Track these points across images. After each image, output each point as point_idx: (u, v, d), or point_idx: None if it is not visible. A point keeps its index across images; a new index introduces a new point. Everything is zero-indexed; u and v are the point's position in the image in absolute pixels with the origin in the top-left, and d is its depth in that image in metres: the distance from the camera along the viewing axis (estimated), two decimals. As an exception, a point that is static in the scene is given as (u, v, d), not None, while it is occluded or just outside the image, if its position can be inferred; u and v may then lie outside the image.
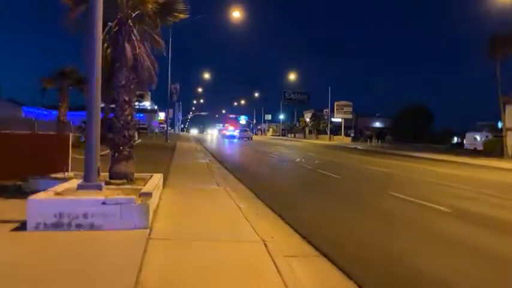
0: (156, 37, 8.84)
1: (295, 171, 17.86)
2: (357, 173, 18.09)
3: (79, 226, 5.76)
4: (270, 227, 6.84)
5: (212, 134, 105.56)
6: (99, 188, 6.38)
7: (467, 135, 54.21)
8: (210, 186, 10.97)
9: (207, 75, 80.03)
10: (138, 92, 37.51)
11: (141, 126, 58.30)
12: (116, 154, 8.12)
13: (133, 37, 8.16)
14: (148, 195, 6.58)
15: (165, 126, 46.25)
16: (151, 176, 9.38)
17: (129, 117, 8.19)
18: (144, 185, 7.83)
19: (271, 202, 9.31)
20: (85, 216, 5.76)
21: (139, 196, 6.55)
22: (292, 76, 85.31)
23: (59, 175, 9.06)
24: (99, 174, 6.49)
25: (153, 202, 6.84)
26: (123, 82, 8.12)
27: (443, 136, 78.35)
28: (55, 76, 15.73)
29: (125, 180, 7.93)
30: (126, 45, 8.03)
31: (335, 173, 16.28)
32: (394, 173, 18.07)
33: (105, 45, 8.15)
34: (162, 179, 9.80)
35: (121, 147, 8.09)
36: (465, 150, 46.77)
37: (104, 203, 5.83)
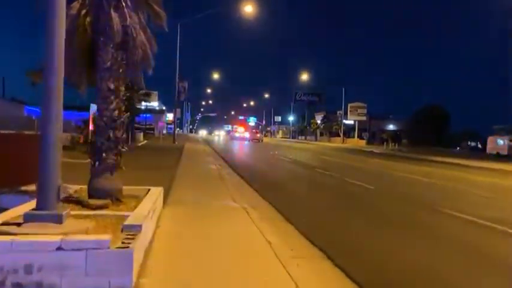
0: (155, 6, 6.57)
1: (319, 180, 15.50)
2: (390, 182, 15.67)
3: (18, 287, 3.51)
4: (318, 280, 4.55)
5: (219, 135, 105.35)
6: (58, 219, 4.11)
7: (490, 139, 52.25)
8: (224, 203, 8.68)
9: (216, 76, 78.12)
10: (143, 91, 35.49)
11: (148, 127, 56.44)
12: (97, 163, 5.87)
13: (123, 3, 5.92)
14: (136, 229, 4.31)
15: (174, 126, 44.04)
16: (148, 190, 7.13)
17: (116, 112, 5.93)
18: (135, 208, 5.59)
19: (306, 228, 6.98)
20: (28, 269, 3.51)
21: (122, 231, 4.29)
22: (303, 77, 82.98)
23: (32, 187, 6.87)
24: (59, 198, 4.23)
25: (144, 238, 4.58)
26: (109, 64, 5.87)
27: (460, 139, 75.62)
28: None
29: (109, 201, 5.67)
30: (113, 13, 5.78)
31: (365, 182, 13.91)
32: (432, 183, 15.62)
33: (84, 11, 5.93)
34: (162, 195, 7.54)
35: (104, 154, 5.84)
36: (487, 154, 44.59)
37: (59, 248, 3.57)
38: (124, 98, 6.07)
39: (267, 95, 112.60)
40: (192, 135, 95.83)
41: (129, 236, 4.13)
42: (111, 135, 5.85)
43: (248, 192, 10.86)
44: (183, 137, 57.36)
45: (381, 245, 6.46)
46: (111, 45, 5.85)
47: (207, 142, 50.15)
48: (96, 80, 5.93)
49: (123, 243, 3.91)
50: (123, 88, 6.05)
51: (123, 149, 6.02)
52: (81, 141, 20.38)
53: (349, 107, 70.87)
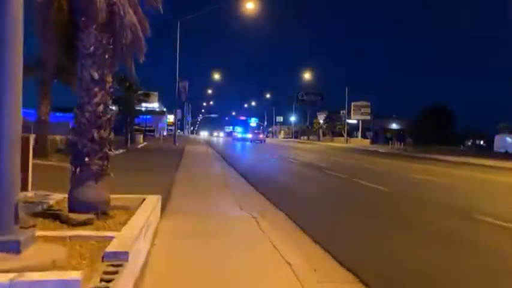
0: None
1: (329, 182, 14.44)
2: (405, 184, 14.59)
3: None
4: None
5: (218, 136, 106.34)
6: (15, 247, 3.06)
7: (497, 137, 51.61)
8: (229, 212, 7.63)
9: (216, 76, 77.15)
10: (143, 92, 34.36)
11: (148, 128, 55.34)
12: (79, 170, 4.83)
13: (108, -25, 4.87)
14: (122, 258, 3.27)
15: (174, 128, 42.97)
16: (143, 200, 6.10)
17: (101, 108, 4.88)
18: (125, 223, 4.55)
19: (326, 241, 5.93)
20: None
21: (103, 260, 3.24)
22: (305, 77, 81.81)
23: None
24: (17, 220, 3.17)
25: (133, 267, 3.53)
26: (91, 49, 4.83)
27: (464, 138, 74.60)
28: (33, 64, 11.86)
29: (93, 215, 4.62)
30: (96, -13, 4.74)
31: (378, 184, 12.87)
32: (453, 184, 14.57)
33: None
34: (159, 205, 6.49)
35: (86, 158, 4.79)
36: (495, 152, 43.70)
37: (8, 293, 2.52)
38: (111, 91, 5.03)
39: (268, 95, 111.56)
40: (193, 136, 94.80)
41: (111, 269, 3.09)
42: (95, 135, 4.80)
43: (255, 197, 9.82)
44: (184, 139, 56.32)
45: (420, 263, 5.39)
46: (94, 27, 4.81)
47: (209, 143, 49.09)
48: (76, 69, 4.89)
49: (101, 280, 2.87)
50: (109, 78, 5.00)
51: (111, 152, 4.97)
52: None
53: (352, 106, 69.70)
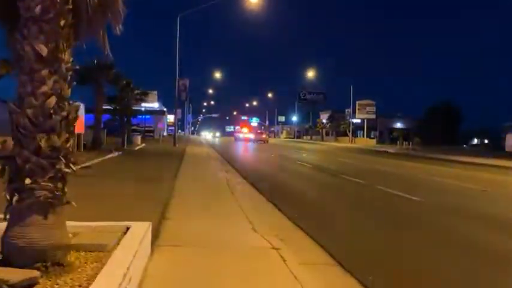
0: None
1: (350, 190, 12.64)
2: (434, 190, 12.77)
3: None
4: None
5: (217, 136, 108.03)
6: None
7: (509, 136, 50.39)
8: (242, 237, 5.88)
9: (218, 75, 75.43)
10: (141, 91, 32.66)
11: (147, 129, 53.39)
12: (17, 198, 3.08)
13: None
14: None
15: (174, 128, 41.14)
16: (127, 230, 4.39)
17: (52, 101, 3.13)
18: (91, 280, 2.83)
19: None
20: None
21: None
22: (307, 75, 79.96)
23: None
24: None
25: None
26: (38, 9, 3.10)
27: (471, 137, 72.97)
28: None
29: (37, 274, 2.88)
30: None
31: (406, 191, 11.17)
32: (486, 190, 12.80)
33: None
34: (149, 236, 4.74)
35: (29, 181, 3.05)
36: (507, 152, 42.22)
37: None
38: (70, 74, 3.28)
39: (270, 95, 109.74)
40: (194, 137, 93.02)
41: None
42: (43, 143, 3.06)
43: (269, 213, 8.06)
44: (184, 139, 54.55)
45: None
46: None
47: (210, 145, 47.39)
48: (14, 42, 3.15)
49: None
50: (67, 56, 3.26)
51: (68, 170, 3.22)
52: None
53: (357, 105, 67.82)
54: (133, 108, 31.73)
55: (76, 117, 3.32)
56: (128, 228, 4.56)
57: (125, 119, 29.28)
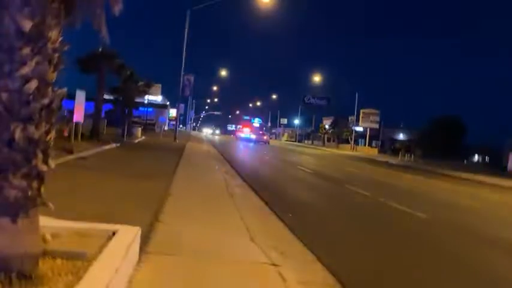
0: None
1: (355, 203, 12.13)
2: (441, 207, 12.28)
3: None
4: None
5: (214, 134, 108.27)
6: None
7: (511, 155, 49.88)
8: (240, 250, 5.40)
9: (223, 73, 74.93)
10: (145, 82, 32.16)
11: (148, 122, 52.85)
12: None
13: None
14: None
15: (176, 123, 40.61)
16: (113, 234, 3.93)
17: (32, 85, 2.67)
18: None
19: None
20: None
21: None
22: (313, 80, 79.51)
23: None
24: None
25: None
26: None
27: (474, 153, 72.34)
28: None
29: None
30: None
31: (411, 207, 10.71)
32: (494, 210, 12.31)
33: None
34: (137, 242, 4.27)
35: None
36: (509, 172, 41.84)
37: None
38: (58, 56, 2.82)
39: (274, 96, 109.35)
40: (195, 133, 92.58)
41: None
42: (18, 134, 2.59)
43: (273, 224, 7.58)
44: (185, 135, 54.05)
45: None
46: None
47: (210, 142, 46.93)
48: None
49: None
50: (55, 34, 2.79)
51: (45, 168, 2.75)
52: (65, 134, 17.16)
53: (361, 113, 67.28)
54: (136, 100, 31.22)
55: (60, 107, 2.85)
56: (114, 233, 4.10)
57: (126, 111, 28.78)
